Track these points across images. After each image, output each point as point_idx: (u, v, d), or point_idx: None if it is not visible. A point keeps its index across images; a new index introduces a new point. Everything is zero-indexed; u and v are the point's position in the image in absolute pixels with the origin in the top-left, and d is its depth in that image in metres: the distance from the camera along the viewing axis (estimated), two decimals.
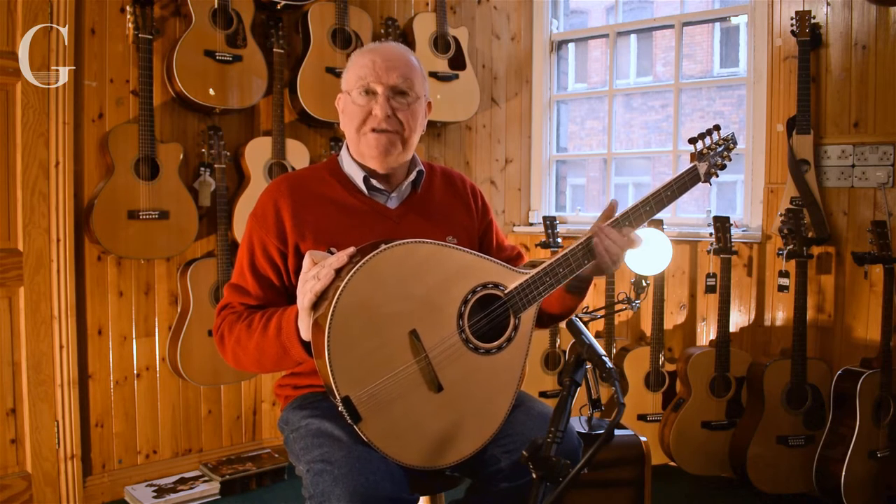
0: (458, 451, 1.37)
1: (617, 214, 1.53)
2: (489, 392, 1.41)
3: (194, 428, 3.02)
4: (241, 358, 1.48)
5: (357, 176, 1.59)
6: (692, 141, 1.63)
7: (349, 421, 1.27)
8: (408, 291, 1.34)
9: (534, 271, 1.45)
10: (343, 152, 1.63)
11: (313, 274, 1.30)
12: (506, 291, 1.43)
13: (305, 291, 1.30)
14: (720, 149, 1.64)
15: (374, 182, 1.57)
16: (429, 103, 1.65)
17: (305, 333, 1.34)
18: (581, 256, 1.48)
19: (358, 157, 1.59)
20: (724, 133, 1.67)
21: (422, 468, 1.34)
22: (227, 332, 1.50)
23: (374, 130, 1.52)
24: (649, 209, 1.54)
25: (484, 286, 1.41)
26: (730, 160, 1.66)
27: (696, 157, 1.63)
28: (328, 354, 1.24)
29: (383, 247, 1.31)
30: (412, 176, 1.62)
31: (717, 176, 1.65)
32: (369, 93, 1.52)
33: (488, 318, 1.42)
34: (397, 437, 1.31)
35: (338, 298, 1.25)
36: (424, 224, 1.58)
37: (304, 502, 1.34)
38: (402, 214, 1.59)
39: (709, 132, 1.64)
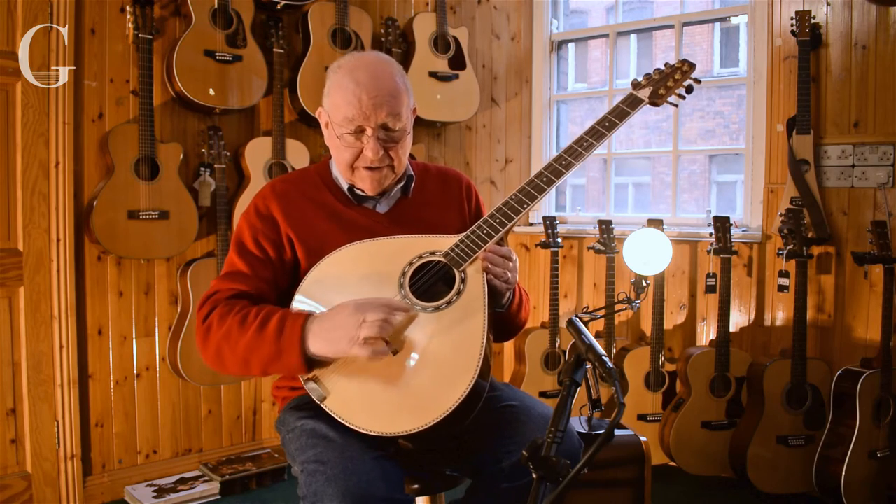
0: (435, 408, 1.32)
1: (561, 150, 1.51)
2: (452, 346, 1.38)
3: (194, 428, 3.02)
4: (226, 354, 1.42)
5: (344, 185, 1.60)
6: (634, 82, 1.58)
7: (317, 401, 1.35)
8: (349, 283, 1.45)
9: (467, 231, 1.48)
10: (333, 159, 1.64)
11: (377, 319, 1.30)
12: (441, 253, 1.47)
13: (365, 327, 1.29)
14: (668, 73, 1.57)
15: (357, 191, 1.58)
16: (413, 110, 1.61)
17: (317, 346, 1.34)
18: (515, 202, 1.47)
19: (349, 182, 1.59)
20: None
21: (405, 434, 1.32)
22: (216, 323, 1.43)
23: (366, 168, 1.52)
24: (588, 144, 1.48)
25: (419, 257, 1.47)
26: (688, 88, 1.55)
27: (634, 86, 1.58)
28: None
29: (322, 259, 1.48)
30: (402, 182, 1.62)
31: (681, 97, 1.55)
32: (358, 132, 1.49)
33: (428, 275, 1.45)
34: (367, 408, 1.34)
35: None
36: (413, 228, 1.57)
37: (299, 502, 1.34)
38: (391, 219, 1.59)
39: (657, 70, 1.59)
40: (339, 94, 1.49)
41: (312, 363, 1.37)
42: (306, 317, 1.36)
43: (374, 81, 1.47)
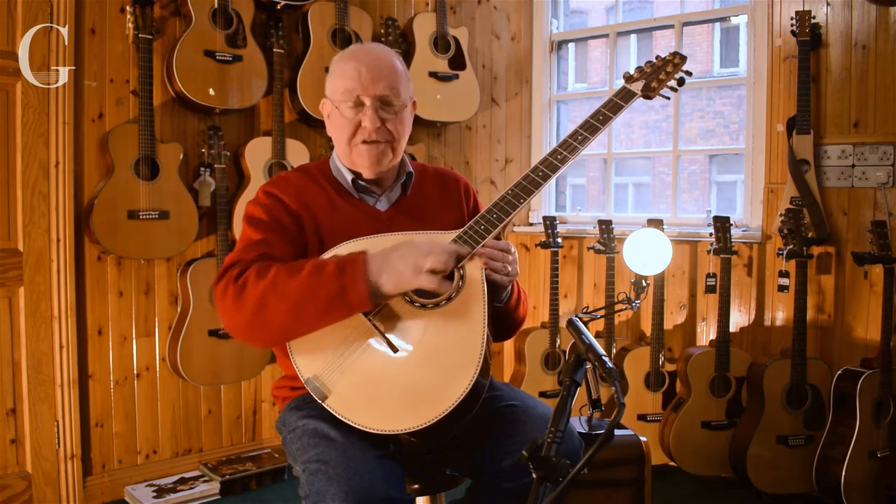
0: (436, 406, 1.32)
1: (556, 144, 1.52)
2: (452, 343, 1.38)
3: (194, 428, 3.02)
4: (270, 303, 1.34)
5: (347, 178, 1.60)
6: (626, 75, 1.58)
7: (318, 400, 1.35)
8: None
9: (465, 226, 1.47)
10: (334, 155, 1.64)
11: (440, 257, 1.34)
12: None
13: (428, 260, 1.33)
14: (660, 66, 1.57)
15: (362, 183, 1.59)
16: (413, 102, 1.63)
17: (383, 279, 1.34)
18: (512, 197, 1.47)
19: (349, 165, 1.60)
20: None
21: (406, 432, 1.32)
22: (252, 279, 1.37)
23: (364, 142, 1.53)
24: (582, 138, 1.50)
25: None
26: (680, 81, 1.57)
27: (626, 79, 1.58)
28: (289, 347, 1.41)
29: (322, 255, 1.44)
30: (402, 179, 1.63)
31: (673, 90, 1.56)
32: (357, 105, 1.51)
33: None
34: (368, 406, 1.34)
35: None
36: (413, 225, 1.58)
37: (300, 502, 1.34)
38: (392, 216, 1.60)
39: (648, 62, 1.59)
40: (340, 73, 1.53)
41: (374, 301, 1.36)
42: (364, 254, 1.37)
43: (373, 59, 1.53)
